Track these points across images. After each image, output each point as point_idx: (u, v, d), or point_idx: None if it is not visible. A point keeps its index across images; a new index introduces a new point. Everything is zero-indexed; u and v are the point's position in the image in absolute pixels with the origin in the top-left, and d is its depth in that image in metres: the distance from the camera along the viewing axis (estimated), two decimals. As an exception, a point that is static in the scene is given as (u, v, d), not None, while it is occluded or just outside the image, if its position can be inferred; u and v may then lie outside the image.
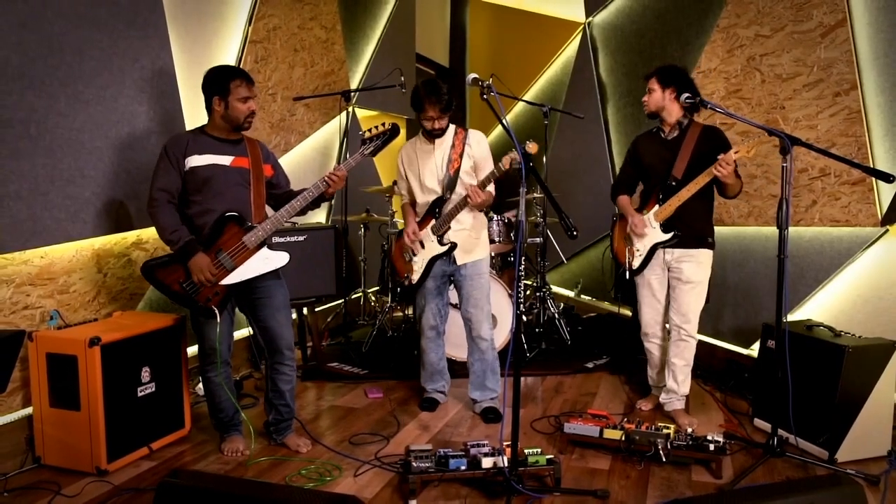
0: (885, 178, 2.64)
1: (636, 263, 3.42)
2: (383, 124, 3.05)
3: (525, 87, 6.58)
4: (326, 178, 2.91)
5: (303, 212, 2.95)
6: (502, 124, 2.54)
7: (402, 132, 6.52)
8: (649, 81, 3.31)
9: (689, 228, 3.28)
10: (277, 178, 3.08)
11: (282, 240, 4.03)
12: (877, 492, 2.71)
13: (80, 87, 3.04)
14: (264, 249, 2.89)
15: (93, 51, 3.10)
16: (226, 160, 2.87)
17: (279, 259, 2.92)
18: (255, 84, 2.93)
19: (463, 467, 2.60)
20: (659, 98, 3.27)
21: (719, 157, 3.02)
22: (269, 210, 3.01)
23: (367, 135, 3.03)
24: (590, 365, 4.40)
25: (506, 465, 2.57)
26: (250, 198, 2.90)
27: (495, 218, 4.66)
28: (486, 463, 2.60)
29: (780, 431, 3.00)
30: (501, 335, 4.17)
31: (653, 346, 3.56)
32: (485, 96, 2.62)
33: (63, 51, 2.96)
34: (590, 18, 5.73)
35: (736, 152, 3.00)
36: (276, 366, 3.03)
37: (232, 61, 4.09)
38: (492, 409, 3.46)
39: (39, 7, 2.84)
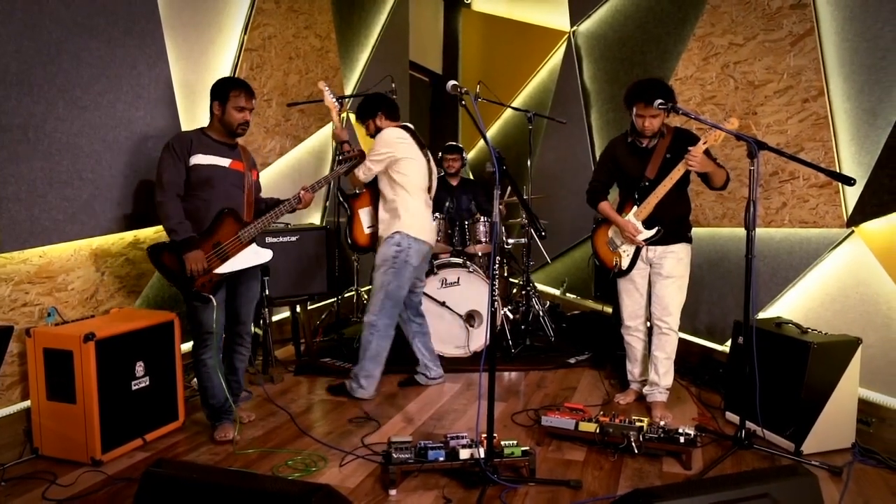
0: (847, 181, 2.65)
1: (625, 264, 3.41)
2: (356, 150, 3.43)
3: (514, 94, 6.60)
4: (299, 195, 3.17)
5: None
6: (479, 129, 2.56)
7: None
8: (651, 108, 3.12)
9: (669, 225, 3.30)
10: (258, 184, 3.26)
11: (275, 240, 4.04)
12: (840, 482, 2.71)
13: (77, 93, 3.05)
14: (254, 245, 3.08)
15: (90, 58, 3.11)
16: (225, 162, 3.03)
17: (265, 255, 3.14)
18: (255, 98, 3.07)
19: (441, 458, 2.61)
20: (661, 119, 3.24)
21: (689, 148, 3.07)
22: None
23: (345, 155, 3.37)
24: (572, 360, 4.41)
25: (482, 456, 2.58)
26: (244, 198, 3.08)
27: (482, 219, 4.67)
28: (464, 454, 2.61)
29: (749, 424, 3.02)
30: (484, 332, 4.19)
31: (633, 339, 3.57)
32: (462, 102, 2.63)
33: (61, 58, 2.96)
34: (574, 27, 5.74)
35: (704, 142, 3.06)
36: (236, 346, 3.25)
37: (228, 69, 4.10)
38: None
39: (38, 15, 2.85)
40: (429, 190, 3.74)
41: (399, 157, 3.52)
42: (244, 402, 3.51)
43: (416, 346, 3.87)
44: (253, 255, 3.07)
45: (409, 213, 3.55)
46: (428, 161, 3.69)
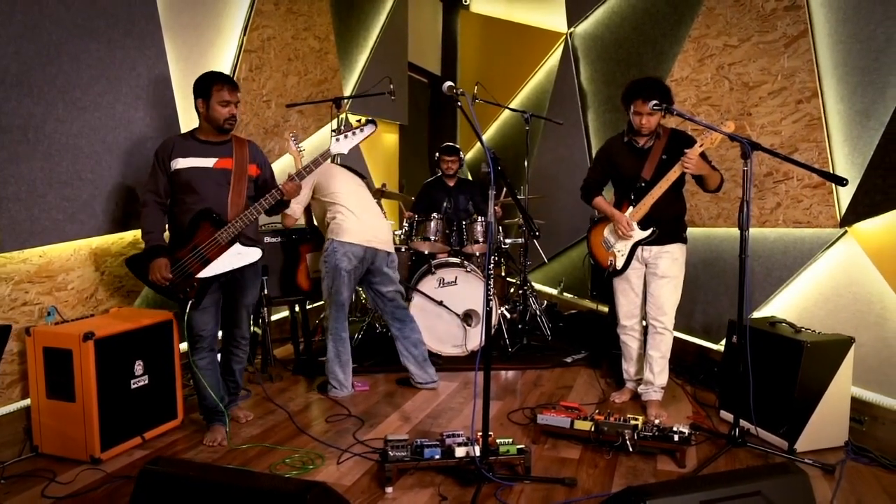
0: (839, 181, 2.66)
1: (619, 264, 3.41)
2: (359, 121, 3.15)
3: (511, 95, 6.60)
4: (281, 186, 2.99)
5: (268, 213, 3.09)
6: (474, 129, 2.55)
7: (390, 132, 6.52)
8: (648, 104, 3.10)
9: (664, 226, 3.30)
10: (264, 178, 3.12)
11: (273, 240, 4.03)
12: (832, 480, 2.72)
13: (77, 94, 3.05)
14: (237, 245, 2.93)
15: (90, 59, 3.11)
16: (209, 162, 2.94)
17: (252, 255, 2.98)
18: (241, 91, 3.01)
19: (437, 456, 2.61)
20: (658, 118, 3.23)
21: (685, 150, 3.07)
22: None
23: (342, 130, 3.13)
24: (568, 359, 4.42)
25: (478, 454, 2.58)
26: (228, 197, 2.95)
27: (479, 219, 4.68)
28: (459, 452, 2.61)
29: (743, 422, 3.02)
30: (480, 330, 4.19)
31: (629, 338, 3.57)
32: (458, 103, 2.63)
33: (61, 59, 2.96)
34: (571, 29, 5.74)
35: (700, 145, 3.05)
36: (232, 349, 3.23)
37: (227, 69, 4.10)
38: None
39: (37, 17, 2.85)
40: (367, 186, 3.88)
41: (317, 175, 3.61)
42: (243, 402, 3.52)
43: (398, 349, 3.85)
44: (235, 258, 2.93)
45: (337, 221, 3.60)
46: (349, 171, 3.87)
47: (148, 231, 2.91)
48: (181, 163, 2.91)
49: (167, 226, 3.03)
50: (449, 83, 2.69)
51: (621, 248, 3.40)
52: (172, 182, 2.92)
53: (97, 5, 3.12)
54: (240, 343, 3.23)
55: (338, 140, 3.08)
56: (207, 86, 2.91)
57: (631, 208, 3.34)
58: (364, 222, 3.63)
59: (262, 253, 3.02)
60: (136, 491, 1.88)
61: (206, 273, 2.90)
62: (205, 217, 2.90)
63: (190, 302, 2.90)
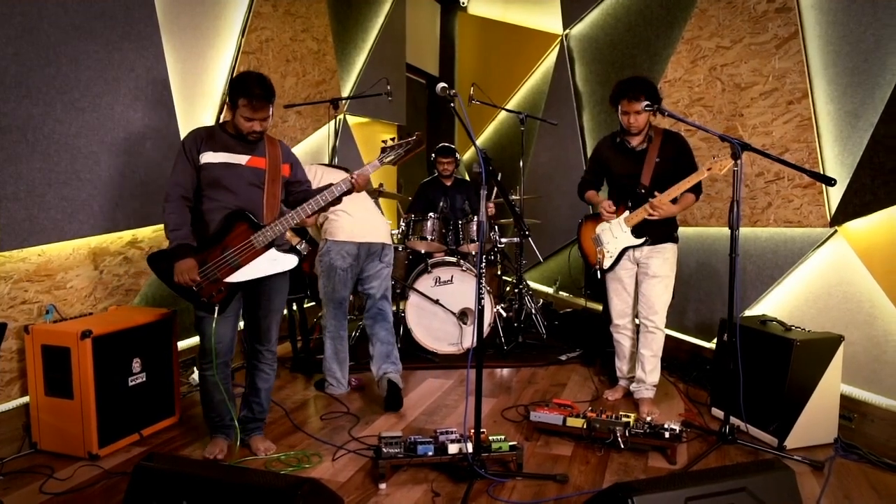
0: (827, 181, 2.66)
1: (607, 264, 3.43)
2: (409, 134, 2.95)
3: (508, 96, 6.60)
4: (352, 180, 2.81)
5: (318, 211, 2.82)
6: (466, 129, 2.56)
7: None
8: (636, 103, 3.13)
9: (657, 229, 3.30)
10: (296, 177, 2.92)
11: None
12: (821, 477, 2.72)
13: (76, 95, 3.06)
14: (272, 251, 2.72)
15: (88, 61, 3.11)
16: (241, 159, 2.73)
17: (287, 262, 2.76)
18: (272, 104, 2.70)
19: (430, 453, 2.61)
20: (646, 117, 3.22)
21: (655, 193, 3.19)
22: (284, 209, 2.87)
23: (390, 143, 2.91)
24: (563, 357, 4.42)
25: (470, 451, 2.58)
26: (263, 198, 2.75)
27: (475, 219, 4.68)
28: (452, 449, 2.61)
29: (734, 420, 3.03)
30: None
31: (622, 336, 3.58)
32: (452, 104, 2.63)
33: (59, 61, 2.97)
34: (567, 31, 5.74)
35: (709, 169, 3.04)
36: (257, 363, 2.93)
37: (225, 71, 4.10)
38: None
39: (36, 19, 2.85)
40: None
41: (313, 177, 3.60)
42: (257, 435, 2.98)
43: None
44: (270, 263, 2.70)
45: (330, 220, 3.59)
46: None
47: (173, 228, 2.63)
48: (210, 157, 2.67)
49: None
50: (442, 84, 2.67)
51: (611, 250, 3.41)
52: (199, 177, 2.68)
53: (95, 7, 3.12)
54: (266, 357, 2.91)
55: (386, 152, 2.93)
56: (235, 96, 2.66)
57: (627, 213, 3.33)
58: (358, 220, 3.60)
59: (297, 261, 2.78)
60: (130, 487, 1.89)
61: (235, 278, 2.67)
62: (240, 218, 2.68)
63: (207, 304, 2.69)
